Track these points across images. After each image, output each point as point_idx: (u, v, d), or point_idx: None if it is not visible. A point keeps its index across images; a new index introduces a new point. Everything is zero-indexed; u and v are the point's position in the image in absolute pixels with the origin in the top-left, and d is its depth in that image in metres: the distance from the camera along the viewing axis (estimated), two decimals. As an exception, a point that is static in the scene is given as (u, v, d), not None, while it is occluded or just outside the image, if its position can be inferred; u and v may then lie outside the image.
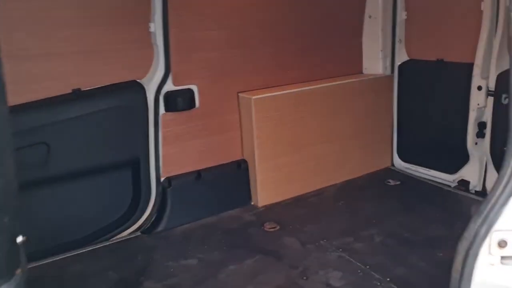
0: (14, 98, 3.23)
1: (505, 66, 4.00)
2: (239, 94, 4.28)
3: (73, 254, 3.61)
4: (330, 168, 4.73)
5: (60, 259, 3.55)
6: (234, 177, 4.36)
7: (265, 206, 4.35)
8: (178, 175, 4.10)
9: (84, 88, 3.62)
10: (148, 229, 3.98)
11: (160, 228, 4.01)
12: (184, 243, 3.79)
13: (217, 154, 4.27)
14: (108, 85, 3.72)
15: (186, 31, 3.88)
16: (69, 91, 3.56)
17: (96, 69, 3.64)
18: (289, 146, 4.41)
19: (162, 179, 4.04)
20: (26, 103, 3.33)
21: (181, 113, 4.01)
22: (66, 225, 3.64)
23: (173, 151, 4.04)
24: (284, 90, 4.35)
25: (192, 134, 4.11)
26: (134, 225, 3.97)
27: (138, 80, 3.85)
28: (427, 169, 4.88)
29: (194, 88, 4.03)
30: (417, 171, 4.98)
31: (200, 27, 3.94)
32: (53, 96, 3.48)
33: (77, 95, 3.59)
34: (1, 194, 1.07)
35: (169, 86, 3.91)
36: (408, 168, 5.09)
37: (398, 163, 5.20)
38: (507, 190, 1.42)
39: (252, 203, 4.40)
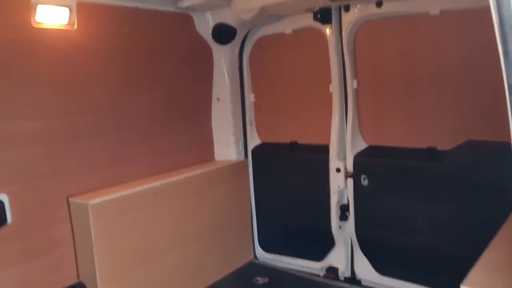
0: None
1: (360, 148, 3.97)
2: (69, 199, 3.32)
3: None
4: (188, 275, 3.98)
5: None
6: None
7: None
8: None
9: None
10: None
11: None
12: None
13: (42, 283, 3.15)
14: None
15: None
16: None
17: None
18: (138, 258, 3.54)
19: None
20: None
21: (-16, 235, 2.87)
22: None
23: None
24: (127, 189, 3.53)
25: (4, 262, 2.96)
26: None
27: None
28: (293, 258, 4.51)
29: (4, 198, 2.94)
30: (283, 262, 4.57)
31: (10, 116, 2.96)
32: None
33: None
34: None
35: (-38, 201, 2.78)
36: (273, 259, 4.65)
37: (262, 254, 4.74)
38: None
39: None
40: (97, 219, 3.24)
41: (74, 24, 3.21)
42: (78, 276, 3.37)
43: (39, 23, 3.01)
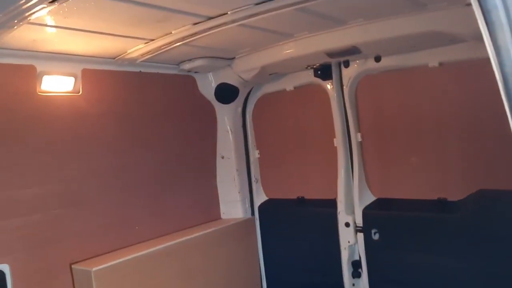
0: None
1: (368, 201, 3.90)
2: (72, 266, 3.24)
3: None
4: None
5: None
6: None
7: None
8: None
9: None
10: None
11: None
12: None
13: None
14: None
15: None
16: None
17: None
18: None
19: None
20: None
21: (-16, 308, 2.77)
22: None
23: None
24: (132, 253, 3.45)
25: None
26: None
27: None
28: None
29: (5, 268, 2.87)
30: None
31: (8, 185, 2.95)
32: None
33: None
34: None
35: (-37, 273, 2.71)
36: None
37: (272, 313, 4.54)
38: None
39: None
40: (101, 286, 3.13)
41: (79, 90, 3.28)
42: None
43: (43, 91, 3.07)
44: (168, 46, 3.14)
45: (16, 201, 2.99)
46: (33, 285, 3.02)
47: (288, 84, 4.27)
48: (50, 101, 3.14)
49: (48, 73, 3.05)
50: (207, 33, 2.91)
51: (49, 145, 3.18)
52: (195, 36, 2.95)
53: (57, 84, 3.13)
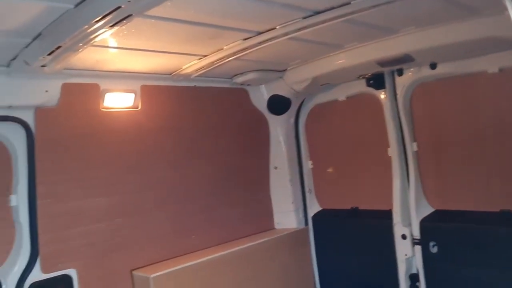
0: None
1: (425, 212, 3.78)
2: (133, 272, 3.41)
3: None
4: None
5: None
6: None
7: None
8: None
9: None
10: None
11: None
12: None
13: None
14: None
15: (59, 203, 3.08)
16: None
17: None
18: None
19: None
20: None
21: (54, 309, 2.99)
22: None
23: None
24: (188, 261, 3.57)
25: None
26: None
27: (-9, 272, 2.85)
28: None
29: (73, 273, 3.10)
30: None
31: (76, 196, 3.18)
32: None
33: None
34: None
35: (36, 275, 2.95)
36: None
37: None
38: None
39: None
40: (158, 293, 3.28)
41: (138, 106, 3.47)
42: None
43: (106, 107, 3.29)
44: (221, 61, 3.25)
45: (83, 211, 3.22)
46: (99, 288, 3.22)
47: (340, 94, 4.25)
48: (112, 116, 3.36)
49: (110, 91, 3.27)
50: (257, 47, 2.99)
51: (111, 158, 3.39)
52: (246, 50, 3.04)
53: (118, 100, 3.34)
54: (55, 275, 3.03)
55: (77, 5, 2.02)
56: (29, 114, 2.93)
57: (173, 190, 3.77)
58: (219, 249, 3.89)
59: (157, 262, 3.55)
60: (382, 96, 3.91)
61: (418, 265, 3.79)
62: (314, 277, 4.56)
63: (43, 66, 2.65)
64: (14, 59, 2.60)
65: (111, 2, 1.95)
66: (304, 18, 2.58)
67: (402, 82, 3.78)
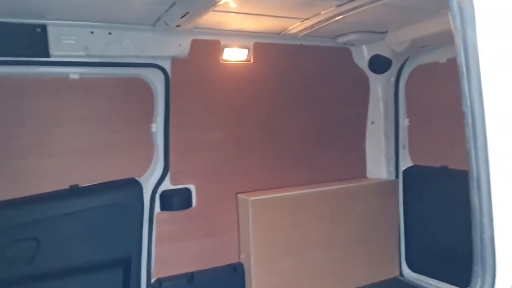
0: (11, 193, 3.38)
1: None
2: (237, 195, 4.25)
3: None
4: (332, 275, 4.48)
5: None
6: (229, 281, 4.16)
7: (260, 315, 4.08)
8: (169, 276, 3.95)
9: (82, 184, 3.68)
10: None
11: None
12: None
13: (212, 256, 4.14)
14: (106, 182, 3.77)
15: (186, 132, 3.98)
16: (67, 187, 3.61)
17: (95, 166, 3.73)
18: (287, 251, 4.24)
19: (152, 280, 3.90)
20: (21, 197, 3.39)
21: (177, 212, 3.97)
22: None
23: (166, 251, 3.95)
24: (283, 192, 4.29)
25: (187, 235, 4.03)
26: (121, 330, 3.76)
27: (136, 178, 3.89)
28: (440, 281, 4.57)
29: (192, 187, 4.04)
30: (429, 283, 4.67)
31: (199, 128, 4.05)
32: (50, 192, 3.54)
33: (74, 191, 3.64)
34: None
35: (166, 185, 3.93)
36: (419, 279, 4.78)
37: (408, 273, 4.91)
38: None
39: (247, 309, 4.14)
40: (255, 213, 4.08)
41: (250, 59, 4.16)
42: (238, 257, 4.25)
43: (224, 59, 4.04)
44: (321, 24, 3.73)
45: (202, 141, 4.09)
46: (209, 204, 4.12)
47: (441, 56, 4.41)
48: (229, 67, 4.11)
49: (228, 46, 4.00)
50: (351, 12, 3.40)
51: (228, 100, 4.17)
52: (340, 15, 3.47)
53: (234, 54, 4.06)
54: (179, 187, 3.98)
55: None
56: (167, 62, 3.82)
57: (276, 132, 4.45)
58: (312, 187, 4.53)
59: (257, 190, 4.33)
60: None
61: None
62: (399, 230, 4.96)
63: (177, 26, 3.45)
64: (157, 20, 3.43)
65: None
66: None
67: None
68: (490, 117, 1.37)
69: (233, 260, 4.23)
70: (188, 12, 3.12)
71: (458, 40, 1.39)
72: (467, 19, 1.36)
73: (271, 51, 4.26)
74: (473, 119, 1.38)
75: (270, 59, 4.28)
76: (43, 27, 3.24)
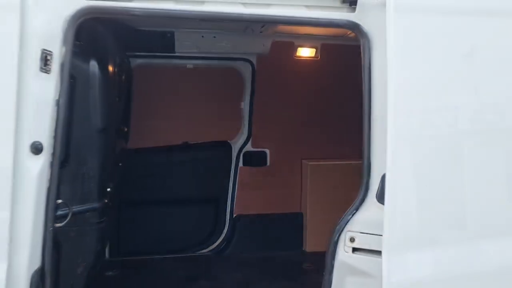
0: (141, 143, 5.12)
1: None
2: (302, 160, 5.54)
3: (163, 257, 5.11)
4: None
5: (152, 258, 5.08)
6: (291, 225, 5.51)
7: (312, 252, 5.35)
8: (246, 214, 5.42)
9: (191, 142, 5.29)
10: (218, 251, 5.32)
11: (226, 252, 5.31)
12: (240, 265, 5.02)
13: (279, 204, 5.52)
14: (207, 142, 5.35)
15: (265, 110, 5.36)
16: (180, 142, 5.26)
17: (201, 130, 5.31)
18: (337, 206, 5.40)
19: (234, 215, 5.41)
20: (150, 147, 5.11)
21: (255, 168, 5.42)
22: (164, 235, 5.18)
23: (245, 196, 5.42)
24: (338, 161, 5.47)
25: (261, 185, 5.46)
26: (209, 247, 5.35)
27: (228, 141, 5.41)
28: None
29: (267, 151, 5.44)
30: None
31: (275, 107, 5.39)
32: (169, 145, 5.22)
33: (185, 146, 5.28)
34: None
35: (248, 147, 5.39)
36: None
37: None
38: (354, 206, 2.47)
39: (303, 248, 5.46)
40: (312, 175, 5.36)
41: (318, 56, 5.37)
42: (300, 208, 5.57)
43: (298, 56, 5.32)
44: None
45: (277, 117, 5.41)
46: (280, 164, 5.49)
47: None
48: (301, 62, 5.38)
49: (301, 46, 5.25)
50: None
51: (298, 87, 5.44)
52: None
53: (305, 52, 5.30)
54: (258, 150, 5.42)
55: None
56: (253, 57, 5.21)
57: (337, 113, 5.58)
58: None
59: (320, 159, 5.56)
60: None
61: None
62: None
63: (261, 32, 4.80)
64: (246, 28, 4.82)
65: None
66: None
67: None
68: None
69: (295, 209, 5.58)
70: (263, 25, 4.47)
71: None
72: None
73: (335, 50, 5.39)
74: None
75: (334, 56, 5.42)
76: (172, 33, 4.83)
